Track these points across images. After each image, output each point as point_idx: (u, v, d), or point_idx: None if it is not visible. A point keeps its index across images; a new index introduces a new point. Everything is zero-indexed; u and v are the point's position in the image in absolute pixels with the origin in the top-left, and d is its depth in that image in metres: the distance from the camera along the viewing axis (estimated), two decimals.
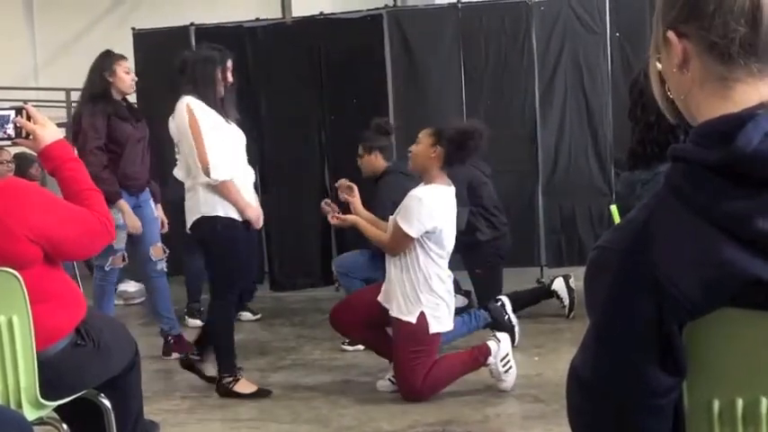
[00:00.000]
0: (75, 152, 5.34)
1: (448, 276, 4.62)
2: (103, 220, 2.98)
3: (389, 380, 4.71)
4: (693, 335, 1.17)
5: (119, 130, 5.31)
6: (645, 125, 3.37)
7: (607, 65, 7.02)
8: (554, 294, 6.17)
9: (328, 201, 5.11)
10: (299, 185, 7.46)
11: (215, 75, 4.63)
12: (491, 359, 4.55)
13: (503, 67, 7.17)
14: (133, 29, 7.84)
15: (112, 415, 3.08)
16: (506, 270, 6.29)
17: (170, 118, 4.77)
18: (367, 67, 7.32)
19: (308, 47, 7.45)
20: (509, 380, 4.58)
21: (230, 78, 4.70)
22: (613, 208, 3.29)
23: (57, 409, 3.04)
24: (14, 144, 3.07)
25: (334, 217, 4.81)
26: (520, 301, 5.84)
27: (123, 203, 5.28)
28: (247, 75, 7.04)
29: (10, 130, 2.91)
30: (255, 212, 4.65)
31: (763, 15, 1.17)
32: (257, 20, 7.80)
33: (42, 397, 2.86)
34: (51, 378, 2.87)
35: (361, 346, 5.47)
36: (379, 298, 4.65)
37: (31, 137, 2.92)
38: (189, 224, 4.67)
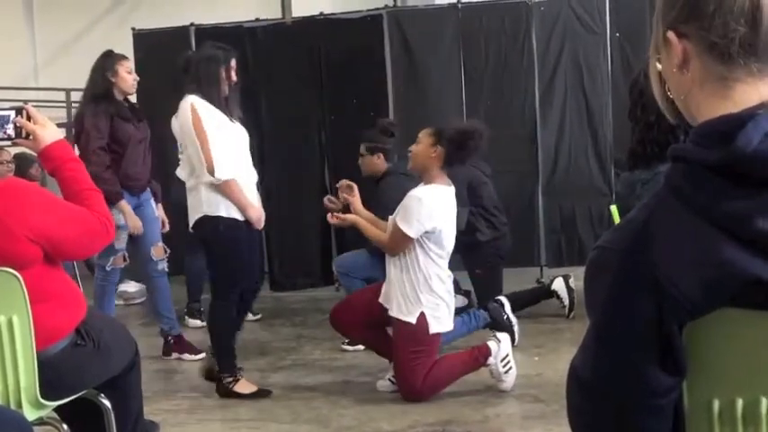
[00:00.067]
0: (77, 152, 5.37)
1: (448, 276, 4.62)
2: (103, 220, 2.98)
3: (389, 380, 4.71)
4: (693, 335, 1.17)
5: (121, 131, 5.31)
6: (645, 125, 3.37)
7: (607, 65, 7.02)
8: (554, 294, 6.17)
9: (331, 197, 5.11)
10: (299, 185, 7.46)
11: (219, 74, 4.62)
12: (491, 359, 4.55)
13: (503, 67, 7.17)
14: (133, 29, 7.85)
15: (112, 415, 3.08)
16: (506, 270, 6.29)
17: (173, 117, 4.77)
18: (367, 68, 7.32)
19: (308, 47, 7.45)
20: (509, 380, 4.58)
21: (234, 77, 4.70)
22: (613, 208, 3.30)
23: (57, 409, 3.05)
24: (14, 144, 3.07)
25: (334, 217, 4.81)
26: (520, 302, 5.84)
27: (124, 204, 5.28)
28: (247, 75, 7.04)
29: (10, 131, 2.91)
30: (257, 213, 4.65)
31: (762, 15, 1.17)
32: (257, 20, 7.80)
33: (42, 397, 2.86)
34: (51, 378, 2.87)
35: (361, 347, 5.47)
36: (380, 298, 4.65)
37: (31, 137, 2.93)
38: (191, 223, 4.68)
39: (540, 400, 4.44)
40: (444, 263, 4.58)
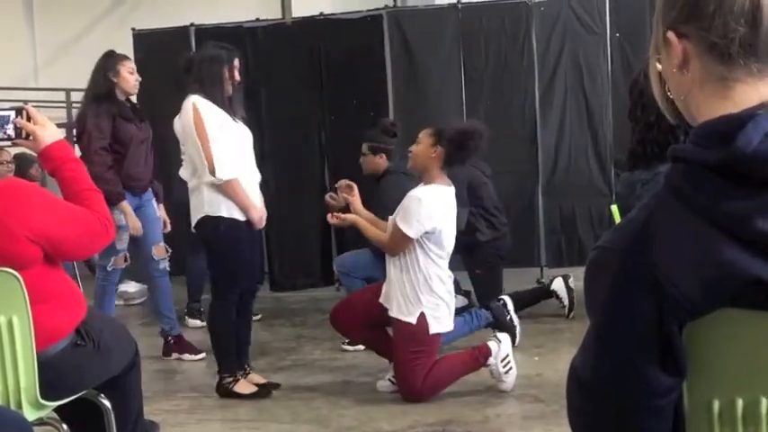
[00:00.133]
0: (80, 152, 5.37)
1: (448, 277, 4.62)
2: (103, 221, 2.98)
3: (389, 380, 4.71)
4: (693, 335, 1.17)
5: (123, 131, 5.31)
6: (645, 125, 3.37)
7: (607, 65, 7.02)
8: (553, 294, 6.17)
9: (332, 194, 5.11)
10: (299, 185, 7.46)
11: (222, 73, 4.62)
12: (491, 360, 4.55)
13: (503, 67, 7.17)
14: (133, 29, 7.85)
15: (112, 415, 3.08)
16: (506, 270, 6.29)
17: (176, 118, 4.77)
18: (367, 68, 7.32)
19: (308, 47, 7.45)
20: (509, 380, 4.58)
21: (237, 77, 4.69)
22: (614, 208, 3.30)
23: (57, 410, 3.05)
24: (14, 144, 3.07)
25: (334, 217, 4.81)
26: (520, 302, 5.84)
27: (125, 205, 5.28)
28: (247, 75, 7.04)
29: (10, 131, 2.91)
30: (258, 213, 4.65)
31: (762, 16, 1.17)
32: (257, 20, 7.80)
33: (42, 397, 2.86)
34: (51, 378, 2.87)
35: (361, 347, 5.47)
36: (380, 299, 4.65)
37: (30, 137, 2.93)
38: (193, 223, 4.68)
39: (540, 401, 4.44)
40: (444, 263, 4.58)
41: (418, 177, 4.71)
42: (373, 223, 4.81)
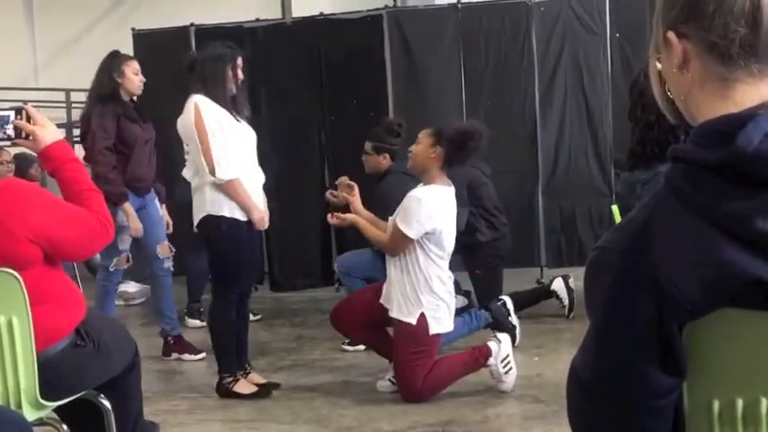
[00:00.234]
0: (83, 152, 5.38)
1: (448, 277, 4.62)
2: (103, 221, 2.98)
3: (389, 380, 4.71)
4: (693, 335, 1.17)
5: (127, 132, 5.32)
6: (645, 125, 3.37)
7: (607, 65, 7.02)
8: (553, 295, 6.17)
9: (333, 191, 5.11)
10: (299, 185, 7.46)
11: (225, 72, 4.61)
12: (491, 360, 4.55)
13: (503, 67, 7.17)
14: (133, 29, 7.85)
15: (112, 415, 3.08)
16: (506, 270, 6.29)
17: (179, 118, 4.76)
18: (367, 68, 7.32)
19: (307, 47, 7.45)
20: (509, 381, 4.58)
21: (241, 75, 4.68)
22: (614, 208, 3.30)
23: (57, 410, 3.05)
24: (14, 144, 3.07)
25: (334, 216, 4.80)
26: (520, 302, 5.84)
27: (128, 206, 5.29)
28: (247, 75, 7.03)
29: (10, 131, 2.91)
30: (260, 214, 4.65)
31: (763, 16, 1.17)
32: (257, 20, 7.81)
33: (42, 398, 2.86)
34: (51, 379, 2.87)
35: (361, 347, 5.47)
36: (380, 299, 4.65)
37: (30, 137, 2.93)
38: (195, 222, 4.68)
39: (540, 401, 4.44)
40: (445, 264, 4.58)
41: (419, 177, 4.71)
42: (373, 223, 4.81)
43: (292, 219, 7.37)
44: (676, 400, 1.20)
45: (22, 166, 7.24)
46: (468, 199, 5.87)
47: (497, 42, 7.16)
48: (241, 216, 4.58)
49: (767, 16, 1.18)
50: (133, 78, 5.34)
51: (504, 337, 4.66)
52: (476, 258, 6.02)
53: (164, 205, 5.74)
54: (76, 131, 10.34)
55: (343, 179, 5.09)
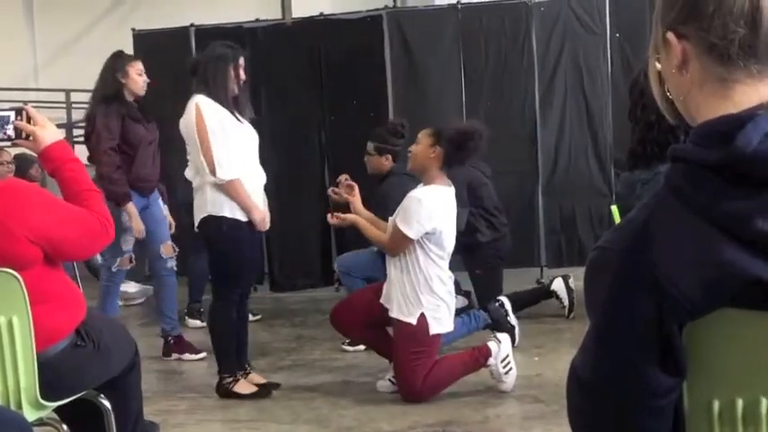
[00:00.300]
0: (88, 152, 5.38)
1: (449, 277, 4.62)
2: (103, 221, 2.98)
3: (389, 380, 4.71)
4: (693, 335, 1.17)
5: (132, 132, 5.32)
6: (645, 125, 3.37)
7: (607, 66, 7.03)
8: (553, 295, 6.16)
9: (335, 189, 5.11)
10: (299, 185, 7.46)
11: (227, 73, 4.61)
12: (491, 360, 4.55)
13: (503, 67, 7.17)
14: (133, 29, 7.85)
15: (112, 416, 3.08)
16: (506, 271, 6.29)
17: (181, 118, 4.77)
18: (367, 68, 7.32)
19: (307, 47, 7.45)
20: (509, 381, 4.58)
21: (243, 75, 4.68)
22: (614, 208, 3.30)
23: (57, 410, 3.05)
24: (14, 145, 3.08)
25: (334, 216, 4.81)
26: (519, 302, 5.84)
27: (131, 206, 5.29)
28: (247, 75, 7.04)
29: (10, 131, 2.91)
30: (261, 215, 4.64)
31: (762, 17, 1.17)
32: (257, 20, 7.81)
33: (42, 398, 2.86)
34: (51, 379, 2.87)
35: (361, 347, 5.47)
36: (381, 299, 4.65)
37: (30, 138, 2.93)
38: (196, 222, 4.68)
39: (540, 401, 4.44)
40: (445, 264, 4.58)
41: (419, 178, 4.71)
42: (373, 223, 4.81)
43: (292, 219, 7.36)
44: (676, 400, 1.20)
45: (22, 166, 7.24)
46: (468, 199, 5.87)
47: (497, 42, 7.16)
48: (242, 216, 4.58)
49: (766, 17, 1.18)
50: (137, 79, 5.34)
51: (504, 337, 4.66)
52: (476, 258, 6.02)
53: (166, 205, 5.75)
54: (77, 132, 10.36)
55: (344, 177, 5.09)
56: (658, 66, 1.29)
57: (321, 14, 7.62)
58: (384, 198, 5.46)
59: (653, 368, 1.17)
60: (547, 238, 7.22)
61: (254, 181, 4.65)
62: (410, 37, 7.28)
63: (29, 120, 2.92)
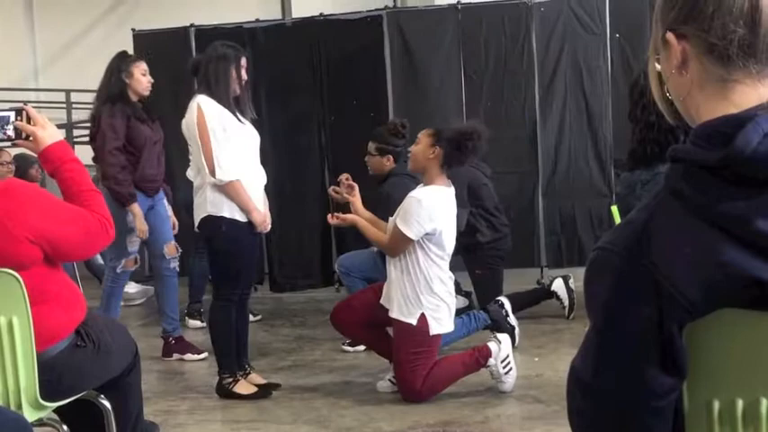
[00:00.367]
0: (93, 153, 5.37)
1: (449, 278, 4.62)
2: (103, 221, 2.98)
3: (390, 380, 4.71)
4: (693, 335, 1.17)
5: (137, 132, 5.33)
6: (645, 125, 3.38)
7: (607, 66, 7.02)
8: (554, 295, 6.17)
9: (336, 188, 5.11)
10: (299, 186, 7.46)
11: (229, 73, 4.61)
12: (491, 360, 4.55)
13: (503, 68, 7.17)
14: (133, 30, 7.85)
15: (112, 416, 3.08)
16: (506, 271, 6.29)
17: (183, 119, 4.78)
18: (367, 69, 7.32)
19: (307, 47, 7.45)
20: (509, 381, 4.58)
21: (244, 76, 4.68)
22: (614, 208, 3.30)
23: (57, 410, 3.05)
24: (15, 145, 3.08)
25: (334, 217, 4.81)
26: (520, 302, 5.84)
27: (136, 207, 5.30)
28: (248, 75, 7.04)
29: (10, 131, 2.91)
30: (261, 217, 4.64)
31: (761, 17, 1.18)
32: (257, 21, 7.81)
33: (42, 398, 2.86)
34: (51, 379, 2.88)
35: (361, 347, 5.48)
36: (381, 299, 4.65)
37: (30, 138, 2.93)
38: (196, 222, 4.68)
39: (540, 401, 4.44)
40: (445, 264, 4.58)
41: (419, 178, 4.71)
42: (374, 224, 4.81)
43: (292, 219, 7.37)
44: (676, 400, 1.20)
45: (22, 166, 7.24)
46: (469, 199, 5.87)
47: (497, 43, 7.16)
48: (241, 217, 4.58)
49: (766, 17, 1.18)
50: (141, 79, 5.35)
51: (504, 337, 4.66)
52: (476, 259, 6.02)
53: (170, 206, 5.75)
54: (77, 132, 10.37)
55: (344, 176, 5.09)
56: (658, 66, 1.29)
57: (321, 14, 7.62)
58: (385, 199, 5.46)
59: (653, 369, 1.17)
60: (547, 238, 7.22)
61: (254, 182, 4.65)
62: (410, 37, 7.28)
63: (29, 120, 2.93)
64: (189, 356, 5.63)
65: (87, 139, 8.78)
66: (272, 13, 8.68)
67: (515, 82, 7.15)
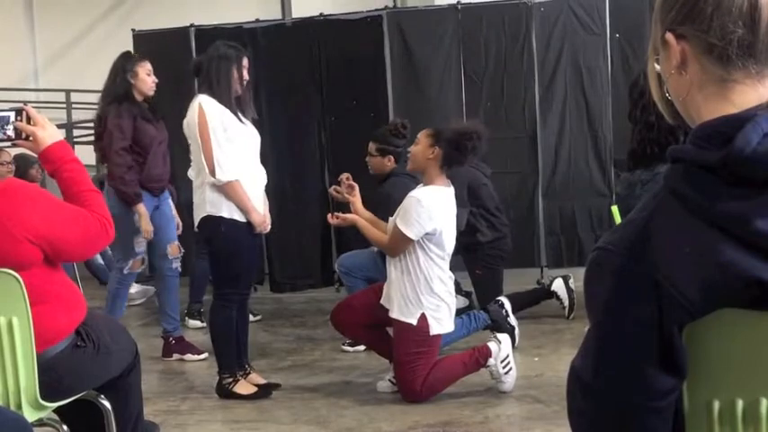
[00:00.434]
0: (98, 153, 5.37)
1: (449, 278, 4.62)
2: (103, 221, 2.98)
3: (390, 381, 4.72)
4: (693, 335, 1.17)
5: (143, 132, 5.34)
6: (645, 126, 3.38)
7: (607, 66, 7.02)
8: (554, 295, 6.16)
9: (337, 187, 5.11)
10: (299, 186, 7.46)
11: (230, 73, 4.61)
12: (491, 360, 4.55)
13: (503, 68, 7.16)
14: (133, 30, 7.85)
15: (112, 416, 3.08)
16: (506, 271, 6.29)
17: (185, 119, 4.78)
18: (367, 69, 7.32)
19: (307, 47, 7.45)
20: (509, 381, 4.58)
21: (246, 76, 4.68)
22: (614, 209, 3.30)
23: (57, 410, 3.05)
24: (14, 145, 3.08)
25: (335, 216, 4.81)
26: (520, 302, 5.84)
27: (141, 207, 5.30)
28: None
29: (10, 131, 2.91)
30: (260, 218, 4.64)
31: (760, 17, 1.18)
32: (257, 21, 7.81)
33: (42, 398, 2.86)
34: (51, 379, 2.88)
35: (361, 348, 5.48)
36: (381, 299, 4.65)
37: (30, 138, 2.93)
38: (196, 222, 4.68)
39: (540, 401, 4.44)
40: (445, 264, 4.58)
41: (419, 178, 4.71)
42: (373, 223, 4.81)
43: (292, 219, 7.37)
44: (676, 400, 1.20)
45: (22, 166, 7.25)
46: (469, 199, 5.87)
47: (497, 43, 7.16)
48: (240, 217, 4.58)
49: (765, 17, 1.18)
50: (146, 79, 5.36)
51: (504, 337, 4.66)
52: (476, 259, 6.02)
53: (173, 206, 5.76)
54: (77, 132, 10.37)
55: (345, 175, 5.09)
56: (657, 67, 1.29)
57: (321, 15, 7.62)
58: (385, 199, 5.45)
59: (653, 369, 1.17)
60: (547, 238, 7.21)
61: (255, 182, 4.65)
62: (410, 37, 7.28)
63: (29, 120, 2.93)
64: (189, 357, 5.63)
65: (87, 139, 8.80)
66: (272, 13, 8.68)
67: (515, 82, 7.15)
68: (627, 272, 1.18)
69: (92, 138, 10.47)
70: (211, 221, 4.57)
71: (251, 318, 6.64)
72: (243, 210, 4.57)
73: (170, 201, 5.66)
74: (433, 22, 7.32)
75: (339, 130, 7.38)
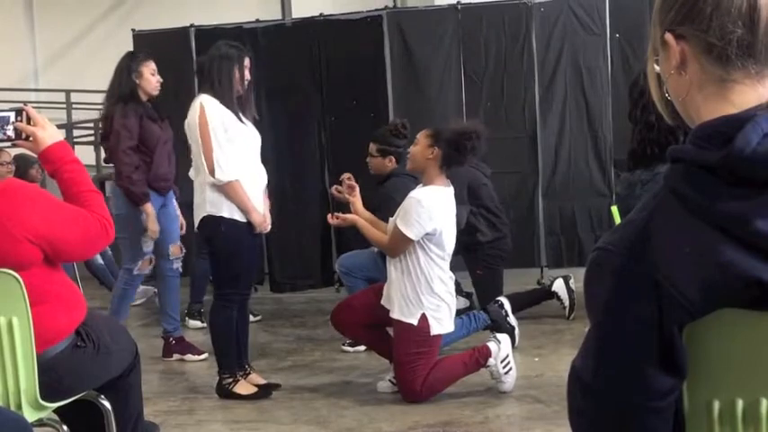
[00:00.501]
0: (105, 153, 5.36)
1: (449, 278, 4.62)
2: (103, 222, 2.98)
3: (390, 381, 4.72)
4: (693, 335, 1.17)
5: (149, 132, 5.35)
6: (645, 126, 3.38)
7: (607, 66, 7.02)
8: (554, 295, 6.16)
9: (338, 187, 5.11)
10: (299, 186, 7.46)
11: (232, 73, 4.60)
12: (491, 360, 4.55)
13: (503, 68, 7.16)
14: (133, 30, 7.85)
15: (112, 416, 3.08)
16: (507, 271, 6.29)
17: (186, 118, 4.78)
18: (367, 69, 7.32)
19: (307, 48, 7.45)
20: (509, 381, 4.58)
21: (248, 76, 4.68)
22: (614, 209, 3.30)
23: (57, 411, 3.05)
24: (15, 146, 3.08)
25: (335, 217, 4.81)
26: (520, 303, 5.84)
27: (149, 206, 5.30)
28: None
29: (10, 132, 2.91)
30: (260, 218, 4.64)
31: (760, 17, 1.18)
32: (257, 21, 7.81)
33: (42, 398, 2.86)
34: (51, 380, 2.88)
35: (361, 348, 5.48)
36: (381, 300, 4.65)
37: (30, 139, 2.93)
38: (196, 222, 4.68)
39: (540, 401, 4.44)
40: (446, 264, 4.58)
41: (419, 178, 4.71)
42: (374, 224, 4.81)
43: (292, 219, 7.37)
44: (676, 400, 1.20)
45: (22, 166, 7.24)
46: (469, 199, 5.87)
47: (497, 43, 7.16)
48: (240, 217, 4.58)
49: (764, 17, 1.18)
50: (150, 79, 5.36)
51: (504, 337, 4.67)
52: (476, 258, 6.02)
53: (177, 205, 5.76)
54: (77, 132, 10.37)
55: (346, 175, 5.09)
56: (657, 67, 1.29)
57: (321, 15, 7.62)
58: (385, 199, 5.45)
59: (654, 369, 1.17)
60: (547, 238, 7.21)
61: (255, 182, 4.65)
62: (410, 37, 7.28)
63: (29, 120, 2.93)
64: (189, 357, 5.63)
65: (87, 139, 8.81)
66: (272, 13, 8.69)
67: (515, 82, 7.15)
68: (627, 272, 1.18)
69: (92, 138, 10.50)
70: (212, 221, 4.57)
71: (251, 318, 6.65)
72: (243, 210, 4.57)
73: (174, 200, 5.66)
74: (433, 22, 7.32)
75: (339, 130, 7.38)
